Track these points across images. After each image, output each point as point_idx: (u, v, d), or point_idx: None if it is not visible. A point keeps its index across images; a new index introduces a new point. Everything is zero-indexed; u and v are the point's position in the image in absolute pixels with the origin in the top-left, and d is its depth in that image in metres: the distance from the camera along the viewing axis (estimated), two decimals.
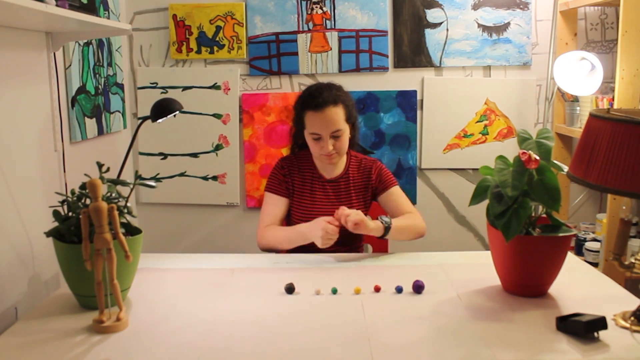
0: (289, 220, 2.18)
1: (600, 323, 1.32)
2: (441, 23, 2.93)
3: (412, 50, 2.95)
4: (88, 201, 1.48)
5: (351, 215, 1.86)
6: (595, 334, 1.33)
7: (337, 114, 2.01)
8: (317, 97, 2.01)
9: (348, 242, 2.06)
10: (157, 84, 2.98)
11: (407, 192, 3.00)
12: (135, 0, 2.93)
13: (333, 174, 2.14)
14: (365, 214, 2.12)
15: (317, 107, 2.00)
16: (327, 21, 2.93)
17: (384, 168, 2.18)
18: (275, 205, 2.11)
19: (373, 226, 1.90)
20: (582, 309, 1.45)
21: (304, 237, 1.95)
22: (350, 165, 2.16)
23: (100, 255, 1.39)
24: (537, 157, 1.48)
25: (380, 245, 2.28)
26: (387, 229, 1.92)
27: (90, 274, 1.41)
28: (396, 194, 2.14)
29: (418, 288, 1.62)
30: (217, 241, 3.10)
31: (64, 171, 2.06)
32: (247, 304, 1.56)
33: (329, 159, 2.06)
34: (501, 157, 1.56)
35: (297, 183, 2.13)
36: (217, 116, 3.00)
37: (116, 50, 2.69)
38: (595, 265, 2.49)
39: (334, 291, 1.62)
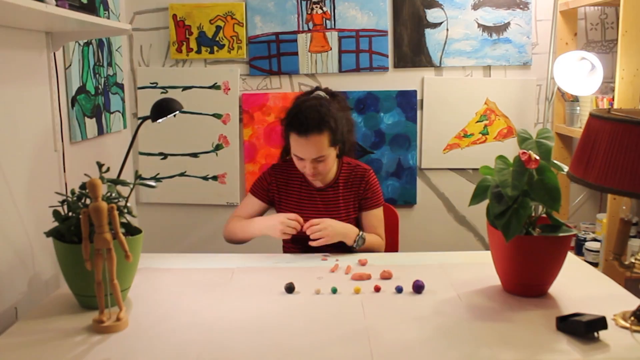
0: None
1: (600, 323, 1.32)
2: (441, 23, 2.93)
3: (412, 50, 2.95)
4: (88, 201, 1.48)
5: (317, 234, 1.93)
6: (595, 334, 1.33)
7: (321, 142, 1.95)
8: (302, 121, 1.94)
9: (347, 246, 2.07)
10: (157, 84, 2.98)
11: (407, 192, 3.03)
12: (135, 0, 2.93)
13: (322, 182, 2.12)
14: (355, 222, 2.13)
15: (300, 133, 1.94)
16: (327, 21, 2.93)
17: (375, 184, 2.15)
18: (251, 204, 2.16)
19: (340, 237, 1.97)
20: (582, 309, 1.45)
21: (258, 230, 2.03)
22: (341, 174, 2.13)
23: (100, 255, 1.39)
24: (537, 157, 1.48)
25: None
26: (353, 247, 2.01)
27: (90, 274, 1.41)
28: (376, 216, 2.15)
29: (418, 288, 1.62)
30: (217, 241, 3.09)
31: (64, 171, 2.06)
32: (247, 304, 1.56)
33: (311, 178, 2.07)
34: (501, 157, 1.56)
35: (284, 192, 2.13)
36: (217, 116, 3.00)
37: (116, 50, 2.69)
38: (595, 265, 2.49)
39: (334, 291, 1.62)
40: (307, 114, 1.95)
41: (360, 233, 2.02)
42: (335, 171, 2.13)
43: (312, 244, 1.93)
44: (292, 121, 1.98)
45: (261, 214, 2.17)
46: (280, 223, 1.93)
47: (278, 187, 2.13)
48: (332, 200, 2.11)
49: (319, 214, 2.07)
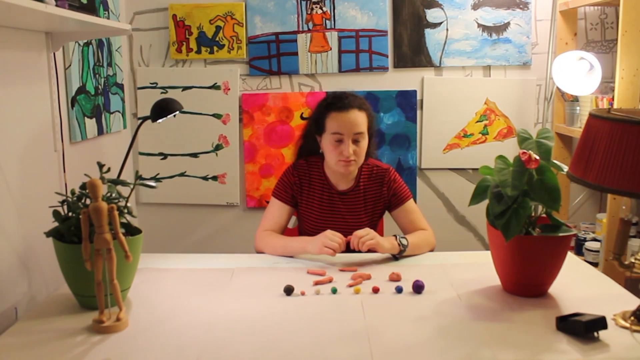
0: (299, 230, 2.16)
1: (600, 323, 1.33)
2: (441, 23, 2.93)
3: (412, 50, 2.95)
4: (88, 201, 1.48)
5: (364, 238, 1.82)
6: (595, 333, 1.33)
7: (361, 117, 1.98)
8: (342, 99, 2.00)
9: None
10: (157, 84, 2.98)
11: None
12: (135, 0, 2.93)
13: (344, 186, 2.08)
14: (375, 227, 2.11)
15: (342, 108, 1.98)
16: (327, 21, 2.93)
17: (398, 180, 2.11)
18: (279, 212, 2.07)
19: (388, 247, 1.87)
20: (582, 309, 1.45)
21: (302, 247, 1.91)
22: (361, 177, 2.09)
23: (100, 255, 1.39)
24: (537, 157, 1.48)
25: None
26: (402, 250, 1.90)
27: (90, 274, 1.41)
28: (410, 209, 2.08)
29: (418, 288, 1.62)
30: (217, 241, 3.10)
31: (64, 171, 2.06)
32: (247, 304, 1.55)
33: (346, 165, 1.98)
34: (501, 157, 1.56)
35: (306, 192, 2.08)
36: (217, 116, 3.00)
37: (116, 50, 2.69)
38: (595, 265, 2.49)
39: (334, 291, 1.62)
40: (347, 95, 2.03)
41: (397, 236, 1.92)
42: (357, 174, 2.09)
43: (364, 249, 1.82)
44: (333, 101, 2.02)
45: (289, 219, 2.10)
46: (324, 237, 1.83)
47: (301, 186, 2.08)
48: (355, 204, 2.07)
49: (342, 217, 2.06)
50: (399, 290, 1.63)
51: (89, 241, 1.39)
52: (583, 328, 1.32)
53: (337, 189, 2.08)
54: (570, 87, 2.68)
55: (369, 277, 1.73)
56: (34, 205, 1.83)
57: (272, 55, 2.95)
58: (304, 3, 2.91)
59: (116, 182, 1.58)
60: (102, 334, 1.38)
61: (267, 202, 2.16)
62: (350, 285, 1.67)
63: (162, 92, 2.97)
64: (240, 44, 2.94)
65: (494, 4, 2.90)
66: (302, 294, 1.61)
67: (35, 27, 1.85)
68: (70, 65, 2.17)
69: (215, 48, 2.95)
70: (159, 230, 3.07)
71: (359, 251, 1.85)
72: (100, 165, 1.60)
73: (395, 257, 1.91)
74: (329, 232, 1.85)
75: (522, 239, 1.52)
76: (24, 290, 1.76)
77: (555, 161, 1.57)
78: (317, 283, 1.68)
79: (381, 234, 2.31)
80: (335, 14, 2.93)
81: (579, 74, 2.64)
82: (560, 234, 1.55)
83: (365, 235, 1.83)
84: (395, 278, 1.71)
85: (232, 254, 2.00)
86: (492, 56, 2.95)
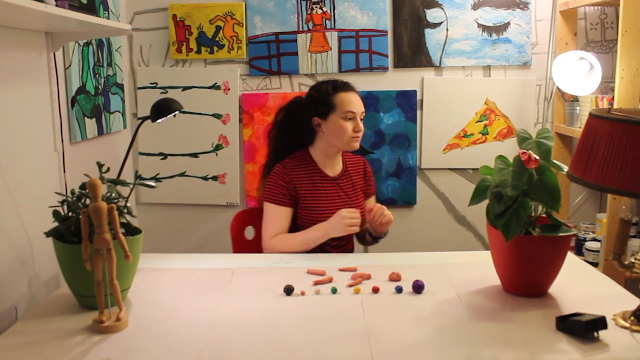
0: (295, 225, 2.12)
1: (600, 323, 1.33)
2: (441, 23, 2.93)
3: (412, 50, 2.95)
4: (88, 201, 1.48)
5: (387, 211, 2.00)
6: (595, 333, 1.33)
7: (361, 99, 2.14)
8: (345, 83, 2.14)
9: (338, 244, 2.12)
10: (157, 84, 2.98)
11: (407, 192, 3.02)
12: (135, 0, 2.93)
13: (335, 171, 2.18)
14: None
15: (348, 90, 2.12)
16: (327, 21, 2.93)
17: (371, 171, 2.30)
18: (281, 215, 2.07)
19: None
20: (582, 309, 1.45)
21: (323, 234, 1.99)
22: (346, 163, 2.23)
23: (100, 255, 1.39)
24: (537, 157, 1.48)
25: (379, 246, 2.29)
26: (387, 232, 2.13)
27: (90, 274, 1.41)
28: (374, 202, 2.26)
29: (418, 288, 1.62)
30: (217, 241, 3.10)
31: (64, 171, 2.06)
32: (247, 304, 1.56)
33: (356, 141, 2.10)
34: (501, 157, 1.56)
35: (302, 186, 2.09)
36: (217, 116, 3.00)
37: (116, 50, 2.69)
38: (595, 265, 2.49)
39: (334, 291, 1.62)
40: (343, 80, 2.18)
41: None
42: (342, 160, 2.22)
43: (384, 221, 2.02)
44: (335, 84, 2.13)
45: (293, 220, 2.11)
46: (342, 218, 1.94)
47: (296, 183, 2.09)
48: (349, 188, 2.19)
49: (341, 201, 2.14)
50: (399, 290, 1.63)
51: (89, 241, 1.39)
52: (583, 328, 1.32)
53: (330, 175, 2.17)
54: (570, 87, 2.68)
55: (369, 277, 1.73)
56: (34, 205, 1.83)
57: (272, 55, 2.95)
58: (304, 3, 2.91)
59: (116, 182, 1.58)
60: (102, 334, 1.38)
61: None
62: (350, 285, 1.67)
63: (162, 92, 2.97)
64: (240, 44, 2.94)
65: (494, 4, 2.90)
66: (302, 294, 1.62)
67: (35, 27, 1.85)
68: (70, 65, 2.17)
69: (215, 48, 2.95)
70: (159, 230, 3.07)
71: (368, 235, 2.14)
72: (100, 165, 1.60)
73: (374, 238, 2.16)
74: (344, 212, 1.96)
75: (522, 239, 1.52)
76: (24, 290, 1.76)
77: (555, 161, 1.57)
78: (317, 283, 1.68)
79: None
80: (335, 14, 2.93)
81: (579, 74, 2.64)
82: (560, 234, 1.55)
83: (386, 208, 2.01)
84: (395, 278, 1.71)
85: (232, 254, 2.01)
86: (492, 56, 2.94)
